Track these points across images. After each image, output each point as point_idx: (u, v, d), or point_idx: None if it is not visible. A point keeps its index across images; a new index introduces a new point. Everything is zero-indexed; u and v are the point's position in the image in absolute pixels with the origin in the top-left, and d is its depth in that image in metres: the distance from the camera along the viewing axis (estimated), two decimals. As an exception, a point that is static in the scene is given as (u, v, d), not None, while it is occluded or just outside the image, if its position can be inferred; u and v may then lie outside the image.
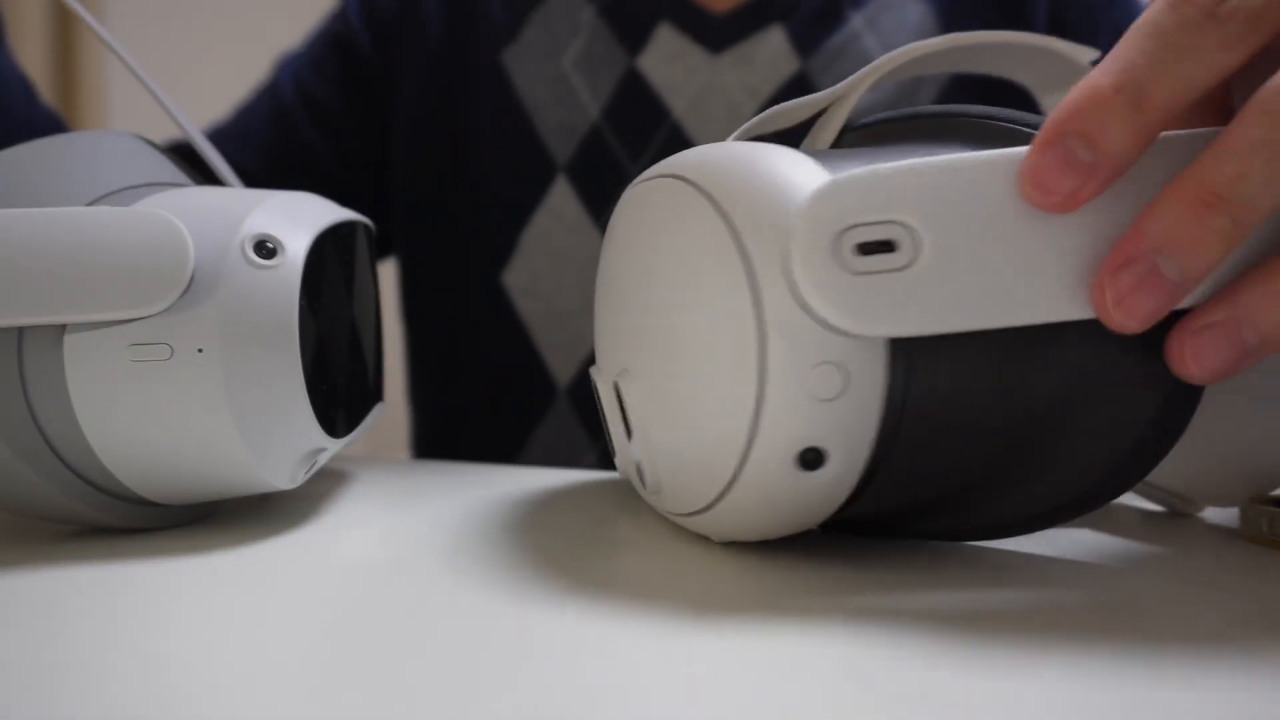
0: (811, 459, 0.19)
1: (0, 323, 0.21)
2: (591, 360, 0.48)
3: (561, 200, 0.48)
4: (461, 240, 0.50)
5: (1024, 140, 0.20)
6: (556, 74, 0.48)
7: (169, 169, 0.27)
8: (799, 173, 0.19)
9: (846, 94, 0.23)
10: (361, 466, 0.35)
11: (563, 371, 0.49)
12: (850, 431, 0.18)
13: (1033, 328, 0.18)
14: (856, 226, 0.17)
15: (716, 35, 0.47)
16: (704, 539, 0.24)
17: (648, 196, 0.22)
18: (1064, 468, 0.20)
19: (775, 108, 0.24)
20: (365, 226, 0.32)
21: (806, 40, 0.47)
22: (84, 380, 0.21)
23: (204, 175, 0.30)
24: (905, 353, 0.18)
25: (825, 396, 0.18)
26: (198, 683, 0.15)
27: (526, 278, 0.49)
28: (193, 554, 0.23)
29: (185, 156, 0.48)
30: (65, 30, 1.32)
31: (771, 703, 0.14)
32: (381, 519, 0.27)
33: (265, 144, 0.52)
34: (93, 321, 0.21)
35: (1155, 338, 0.18)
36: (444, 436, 0.54)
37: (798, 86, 0.46)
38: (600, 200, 0.48)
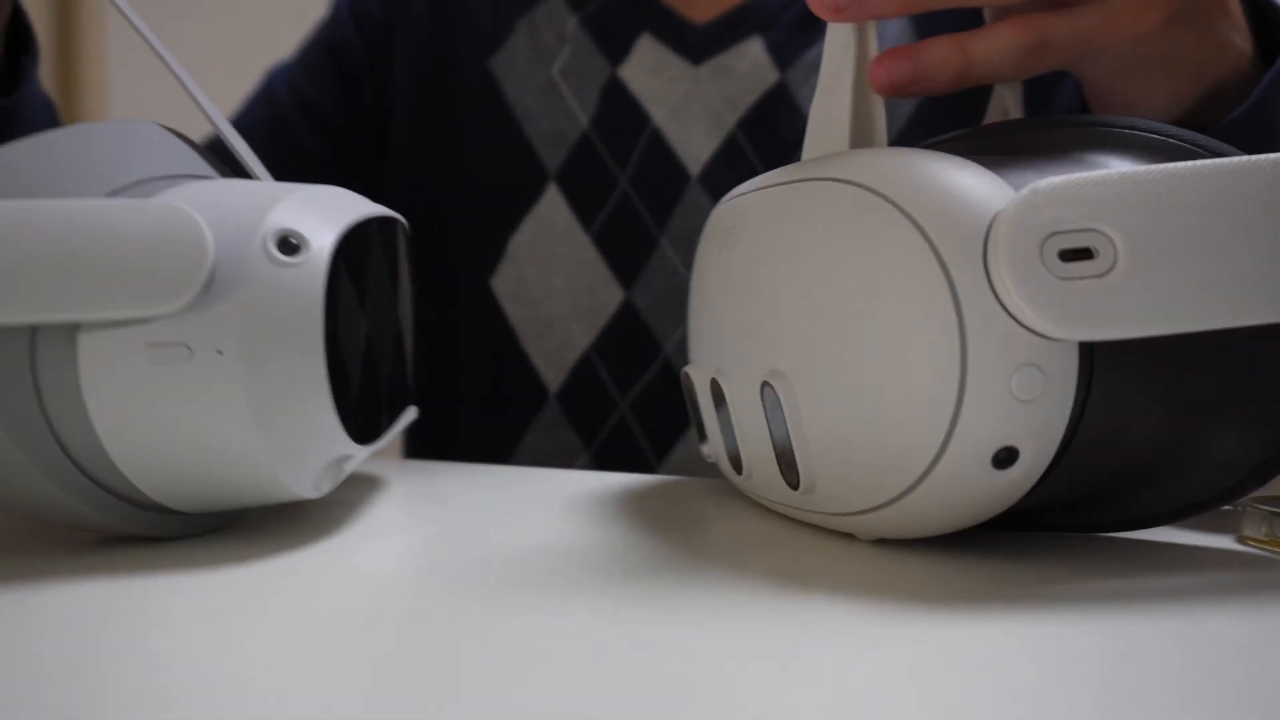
0: (1004, 458, 0.19)
1: (12, 320, 0.20)
2: (581, 365, 0.48)
3: (552, 207, 0.48)
4: (450, 245, 0.51)
5: (1176, 154, 0.21)
6: (545, 83, 0.49)
7: (194, 160, 0.26)
8: (982, 182, 0.20)
9: None
10: (392, 470, 0.34)
11: (552, 376, 0.49)
12: (1043, 431, 0.19)
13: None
14: (1060, 233, 0.18)
15: (696, 46, 0.48)
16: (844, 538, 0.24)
17: (812, 201, 0.22)
18: (1220, 461, 0.21)
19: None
20: (401, 223, 0.31)
21: (785, 52, 0.47)
22: (99, 382, 0.20)
23: (238, 173, 0.29)
24: (1089, 355, 0.19)
25: (1025, 398, 0.19)
26: (195, 690, 0.14)
27: (514, 283, 0.49)
28: (214, 565, 0.21)
29: (219, 154, 0.47)
30: (66, 40, 1.32)
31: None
32: (417, 528, 0.25)
33: (261, 148, 0.52)
34: (108, 320, 0.20)
35: None
36: (435, 439, 0.54)
37: (777, 98, 0.47)
38: (590, 207, 0.48)
